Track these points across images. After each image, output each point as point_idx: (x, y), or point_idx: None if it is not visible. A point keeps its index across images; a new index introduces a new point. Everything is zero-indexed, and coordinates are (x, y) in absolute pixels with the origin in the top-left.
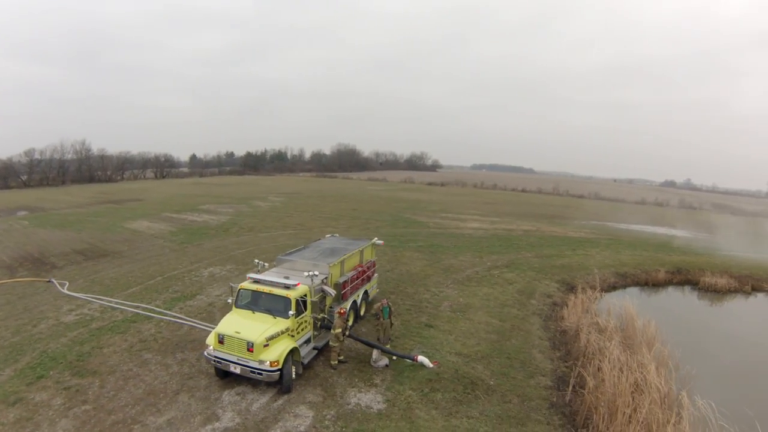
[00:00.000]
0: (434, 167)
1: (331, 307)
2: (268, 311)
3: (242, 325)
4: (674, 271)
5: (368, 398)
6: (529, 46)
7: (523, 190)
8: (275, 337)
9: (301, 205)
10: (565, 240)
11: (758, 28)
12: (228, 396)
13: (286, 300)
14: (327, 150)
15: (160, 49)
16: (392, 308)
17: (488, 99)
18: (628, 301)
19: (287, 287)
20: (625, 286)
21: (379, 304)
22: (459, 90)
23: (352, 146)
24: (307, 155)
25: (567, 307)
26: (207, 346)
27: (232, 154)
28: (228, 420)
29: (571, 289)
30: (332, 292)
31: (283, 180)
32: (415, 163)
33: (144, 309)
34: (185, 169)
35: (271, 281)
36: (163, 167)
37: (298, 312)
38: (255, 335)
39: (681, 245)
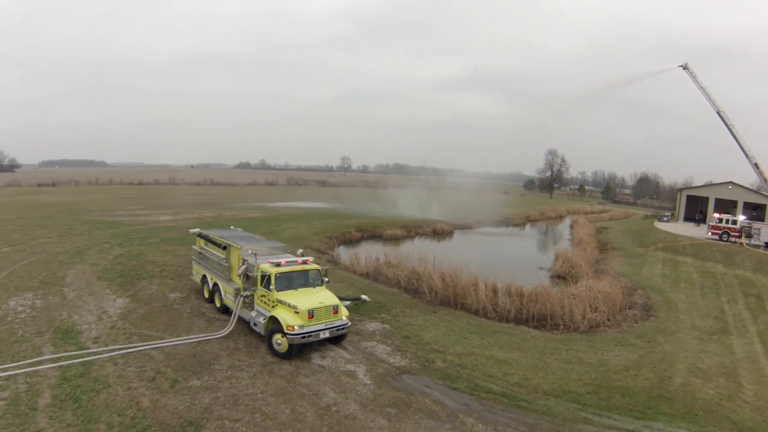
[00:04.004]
0: (12, 167)
1: None
2: (305, 285)
3: (314, 298)
4: (360, 230)
5: (374, 326)
6: (108, 33)
7: (140, 183)
8: None
9: None
10: (258, 220)
11: (329, 31)
12: (319, 361)
13: (318, 271)
14: None
15: None
16: None
17: (59, 88)
18: (383, 248)
19: (305, 262)
20: (337, 246)
21: None
22: (31, 78)
23: None
24: None
25: (340, 262)
26: (291, 328)
27: None
28: (365, 368)
29: (319, 251)
30: None
31: None
32: None
33: (67, 358)
34: None
35: (295, 260)
36: None
37: None
38: (333, 300)
39: (339, 213)
